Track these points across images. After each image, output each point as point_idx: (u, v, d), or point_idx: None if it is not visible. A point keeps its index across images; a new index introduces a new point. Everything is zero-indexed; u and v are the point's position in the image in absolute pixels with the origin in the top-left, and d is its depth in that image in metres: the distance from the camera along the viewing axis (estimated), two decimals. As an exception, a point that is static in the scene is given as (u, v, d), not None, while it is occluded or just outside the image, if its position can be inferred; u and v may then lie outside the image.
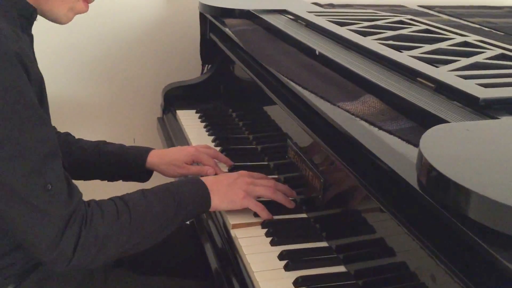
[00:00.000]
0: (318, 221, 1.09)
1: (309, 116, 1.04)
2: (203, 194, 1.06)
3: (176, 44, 2.00)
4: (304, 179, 1.13)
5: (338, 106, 0.90)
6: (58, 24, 0.99)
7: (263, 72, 1.29)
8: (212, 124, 1.60)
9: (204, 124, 1.62)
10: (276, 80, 1.20)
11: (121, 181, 1.33)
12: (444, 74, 0.96)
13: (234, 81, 1.76)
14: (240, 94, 1.71)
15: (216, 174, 1.26)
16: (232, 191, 1.08)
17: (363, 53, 1.15)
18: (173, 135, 1.64)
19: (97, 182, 1.33)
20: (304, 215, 1.14)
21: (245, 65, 1.40)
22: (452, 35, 1.30)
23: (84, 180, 1.31)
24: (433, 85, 0.93)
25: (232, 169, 1.31)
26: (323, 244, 1.03)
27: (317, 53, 1.16)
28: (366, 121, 0.84)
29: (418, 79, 0.97)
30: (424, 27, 1.38)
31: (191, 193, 1.05)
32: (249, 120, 1.59)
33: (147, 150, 1.31)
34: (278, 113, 1.34)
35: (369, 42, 1.18)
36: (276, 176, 1.31)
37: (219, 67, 1.80)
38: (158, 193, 1.02)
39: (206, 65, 1.83)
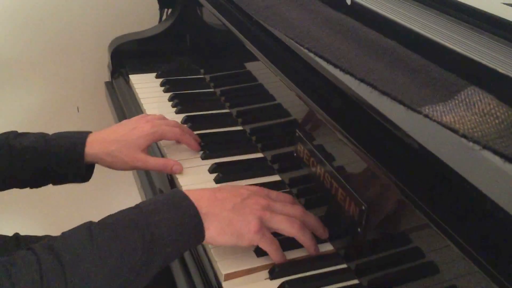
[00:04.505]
0: (356, 262, 0.73)
1: (359, 124, 0.63)
2: (193, 226, 0.67)
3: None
4: (320, 192, 0.77)
5: (426, 116, 0.49)
6: None
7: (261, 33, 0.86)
8: (180, 96, 1.19)
9: (169, 95, 1.21)
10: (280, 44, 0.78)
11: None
12: None
13: (204, 30, 1.35)
14: (215, 47, 1.31)
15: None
16: (239, 218, 0.69)
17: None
18: (126, 109, 1.25)
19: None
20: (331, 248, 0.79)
21: (234, 26, 0.97)
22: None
23: None
24: None
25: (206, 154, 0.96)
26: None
27: (348, 2, 0.72)
28: (495, 152, 0.43)
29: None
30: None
31: (171, 224, 0.65)
32: (229, 86, 1.20)
33: (83, 137, 0.92)
34: (278, 85, 0.93)
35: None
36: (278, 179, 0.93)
37: (183, 11, 1.40)
38: (117, 231, 0.63)
39: (165, 10, 1.47)
